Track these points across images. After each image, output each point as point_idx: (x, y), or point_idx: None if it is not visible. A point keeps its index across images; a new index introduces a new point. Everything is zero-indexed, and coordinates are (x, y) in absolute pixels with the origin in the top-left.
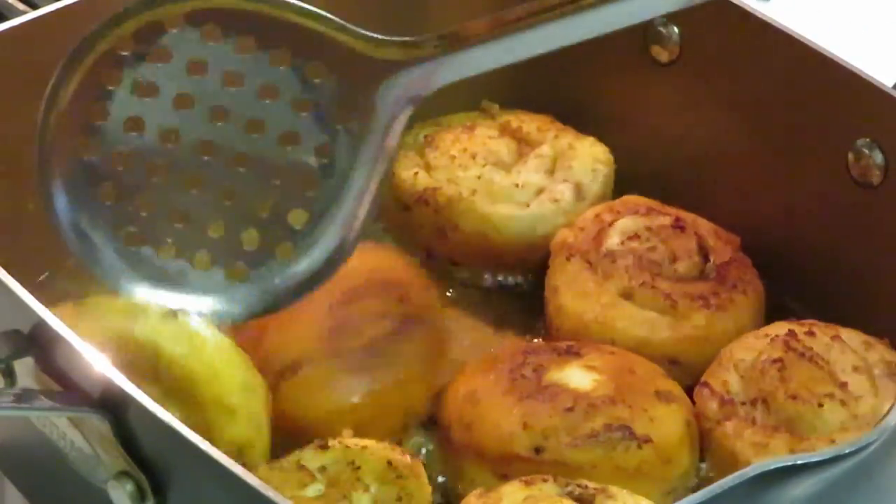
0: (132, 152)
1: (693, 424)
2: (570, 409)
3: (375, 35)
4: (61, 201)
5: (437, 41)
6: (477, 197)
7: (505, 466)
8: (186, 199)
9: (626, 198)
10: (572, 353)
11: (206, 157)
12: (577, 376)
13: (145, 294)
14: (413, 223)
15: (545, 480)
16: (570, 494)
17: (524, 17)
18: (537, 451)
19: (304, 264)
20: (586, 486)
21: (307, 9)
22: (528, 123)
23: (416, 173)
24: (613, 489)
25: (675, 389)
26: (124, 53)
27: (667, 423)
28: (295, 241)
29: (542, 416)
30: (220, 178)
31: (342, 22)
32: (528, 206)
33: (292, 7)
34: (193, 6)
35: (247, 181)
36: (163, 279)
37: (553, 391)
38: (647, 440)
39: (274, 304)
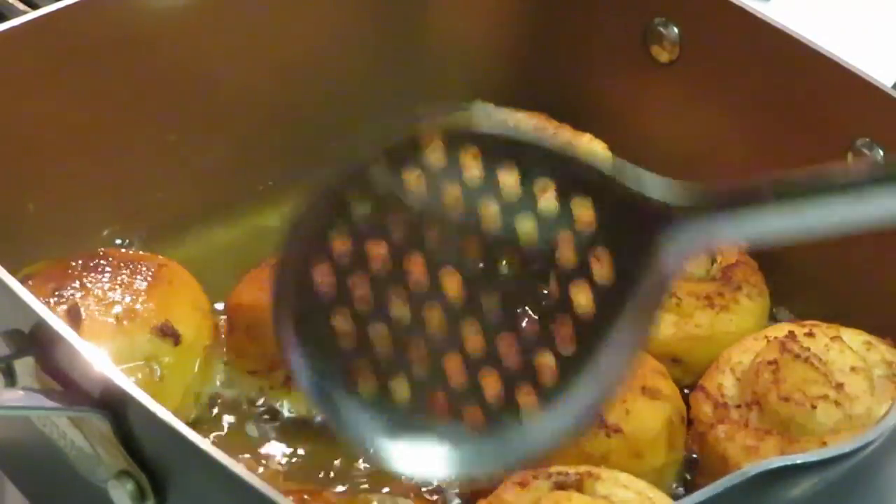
0: (365, 291)
1: (677, 425)
2: None
3: (658, 178)
4: (298, 354)
5: (734, 191)
6: None
7: None
8: (424, 347)
9: None
10: None
11: (450, 297)
12: None
13: (386, 448)
14: None
15: (535, 478)
16: (557, 485)
17: (840, 183)
18: None
19: (549, 423)
20: (567, 473)
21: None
22: (524, 122)
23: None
24: (594, 469)
25: (667, 389)
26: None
27: (643, 417)
28: (542, 396)
29: None
30: (465, 320)
31: (626, 170)
32: None
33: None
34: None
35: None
36: (399, 431)
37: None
38: (617, 430)
39: (513, 463)
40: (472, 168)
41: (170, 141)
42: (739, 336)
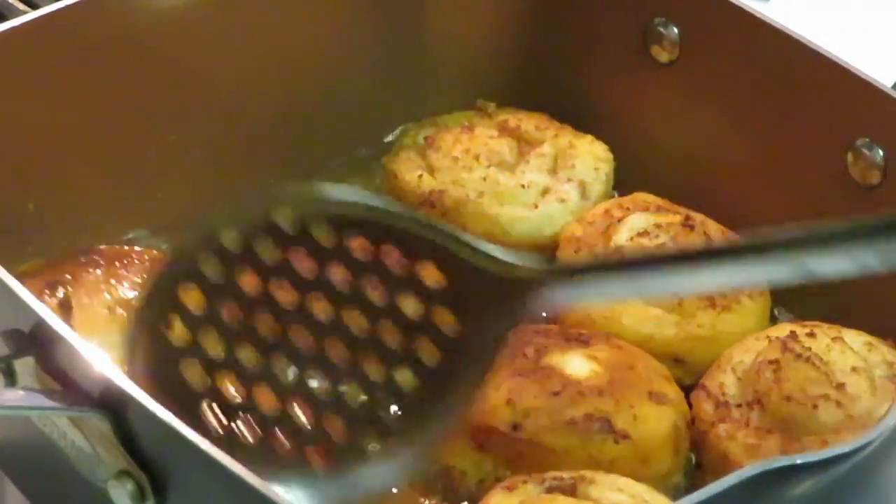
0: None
1: (682, 429)
2: (557, 394)
3: (506, 259)
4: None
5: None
6: (484, 199)
7: (482, 437)
8: (272, 391)
9: (636, 195)
10: (580, 341)
11: (298, 344)
12: (576, 364)
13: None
14: None
15: (525, 482)
16: (549, 490)
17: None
18: (515, 427)
19: (391, 462)
20: (563, 478)
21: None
22: (526, 122)
23: (420, 176)
24: (590, 474)
25: (672, 393)
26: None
27: (650, 422)
28: (385, 439)
29: (528, 395)
30: (313, 361)
31: (477, 244)
32: (535, 206)
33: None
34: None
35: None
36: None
37: (546, 373)
38: (625, 436)
39: (352, 497)
40: (323, 238)
41: (170, 141)
42: (741, 336)
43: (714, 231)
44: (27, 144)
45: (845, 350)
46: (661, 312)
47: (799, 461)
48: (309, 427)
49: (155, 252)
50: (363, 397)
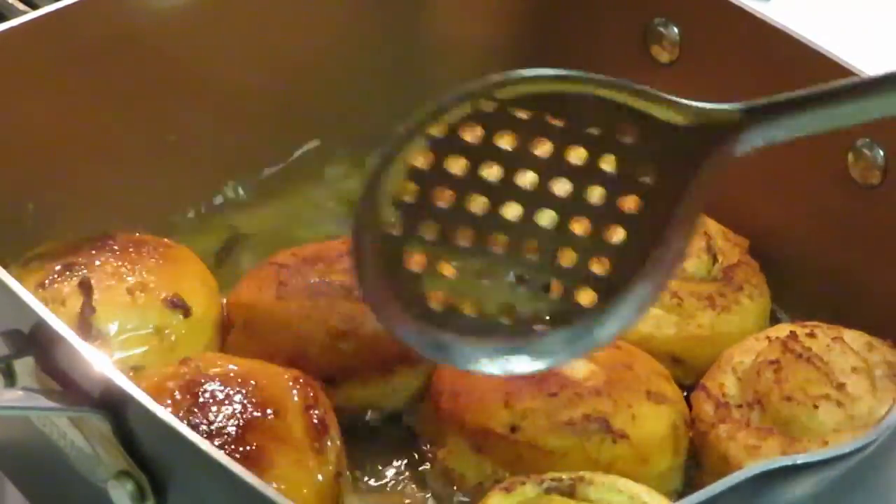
0: (437, 221)
1: (681, 428)
2: (555, 395)
3: (690, 104)
4: (376, 285)
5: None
6: None
7: (481, 440)
8: (488, 255)
9: None
10: None
11: (512, 219)
12: (574, 364)
13: (459, 348)
14: None
15: (523, 483)
16: (547, 491)
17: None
18: (513, 429)
19: (610, 314)
20: (561, 479)
21: (623, 84)
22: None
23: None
24: (588, 475)
25: (671, 392)
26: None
27: (649, 422)
28: (601, 291)
29: (526, 396)
30: (525, 233)
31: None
32: None
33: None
34: (520, 92)
35: (553, 237)
36: (468, 333)
37: (543, 374)
38: (623, 436)
39: (580, 352)
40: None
41: (170, 141)
42: (740, 336)
43: (715, 231)
44: (27, 144)
45: (845, 350)
46: (661, 312)
47: (799, 461)
48: (531, 293)
49: (167, 240)
50: (578, 257)
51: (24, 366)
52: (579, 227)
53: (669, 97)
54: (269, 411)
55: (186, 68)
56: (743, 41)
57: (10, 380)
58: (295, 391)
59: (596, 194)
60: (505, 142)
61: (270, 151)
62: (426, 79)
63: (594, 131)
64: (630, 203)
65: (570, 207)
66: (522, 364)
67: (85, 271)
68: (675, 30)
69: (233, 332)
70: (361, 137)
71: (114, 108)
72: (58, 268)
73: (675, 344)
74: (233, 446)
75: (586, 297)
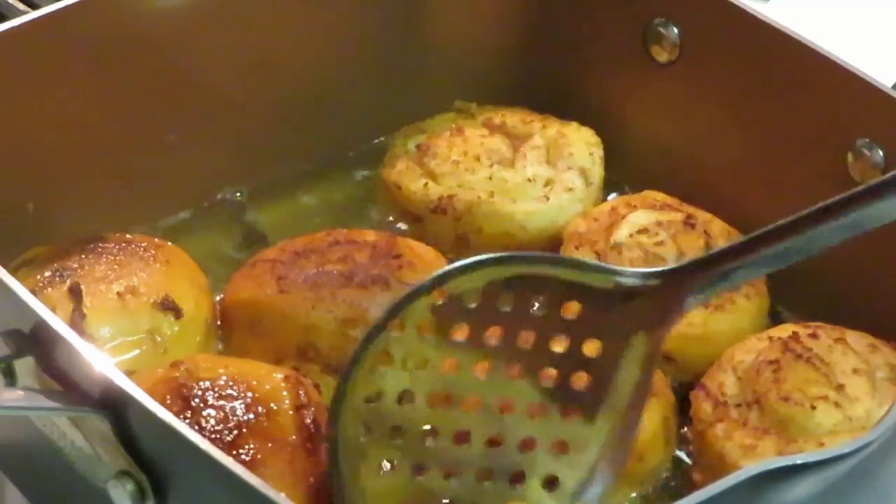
0: (406, 425)
1: (670, 419)
2: None
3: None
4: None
5: (692, 265)
6: (495, 198)
7: None
8: (456, 451)
9: (645, 192)
10: None
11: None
12: None
13: None
14: (428, 233)
15: None
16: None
17: (776, 232)
18: None
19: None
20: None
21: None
22: (510, 117)
23: (426, 184)
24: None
25: (658, 383)
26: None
27: (643, 420)
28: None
29: None
30: (489, 429)
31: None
32: (546, 199)
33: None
34: (488, 279)
35: (518, 428)
36: None
37: None
38: None
39: None
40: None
41: (170, 140)
42: (734, 336)
43: (718, 231)
44: (27, 144)
45: (847, 351)
46: None
47: (799, 461)
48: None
49: (157, 240)
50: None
51: (25, 366)
52: (535, 417)
53: (595, 264)
54: (260, 412)
55: (186, 68)
56: (743, 41)
57: (11, 380)
58: (286, 391)
59: (549, 376)
60: (458, 333)
61: (270, 152)
62: (426, 80)
63: (539, 312)
64: (581, 380)
65: (525, 394)
66: None
67: (75, 276)
68: (675, 30)
69: (236, 334)
70: (361, 139)
71: (114, 108)
72: (47, 274)
73: (667, 341)
74: (225, 448)
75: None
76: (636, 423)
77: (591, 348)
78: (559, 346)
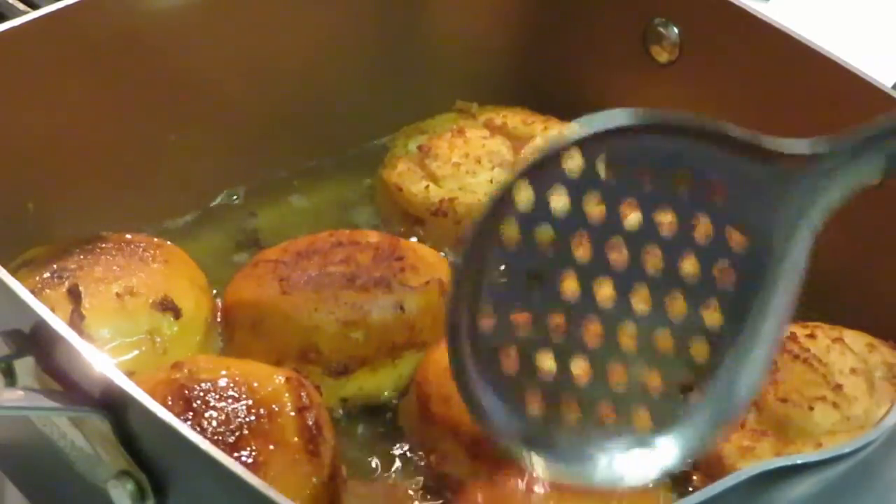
0: (531, 310)
1: None
2: None
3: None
4: (475, 379)
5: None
6: None
7: (477, 447)
8: (587, 354)
9: None
10: None
11: (606, 301)
12: None
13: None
14: (428, 236)
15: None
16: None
17: None
18: None
19: (709, 406)
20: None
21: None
22: (511, 118)
23: (427, 186)
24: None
25: None
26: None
27: None
28: (701, 382)
29: None
30: (619, 320)
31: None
32: None
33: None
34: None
35: (650, 320)
36: (565, 445)
37: None
38: None
39: (677, 463)
40: (607, 176)
41: (170, 141)
42: None
43: None
44: (27, 144)
45: (845, 351)
46: None
47: (799, 461)
48: (624, 390)
49: (156, 240)
50: (676, 342)
51: (25, 366)
52: (675, 305)
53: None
54: (262, 414)
55: (186, 68)
56: (743, 41)
57: (11, 380)
58: (288, 393)
59: (690, 265)
60: (592, 208)
61: (270, 153)
62: (427, 80)
63: (682, 190)
64: (726, 275)
65: (664, 283)
66: (636, 473)
67: (73, 277)
68: (675, 30)
69: (237, 334)
70: (361, 140)
71: (114, 108)
72: (46, 275)
73: None
74: (226, 450)
75: (690, 391)
76: (766, 362)
77: (737, 238)
78: (701, 231)
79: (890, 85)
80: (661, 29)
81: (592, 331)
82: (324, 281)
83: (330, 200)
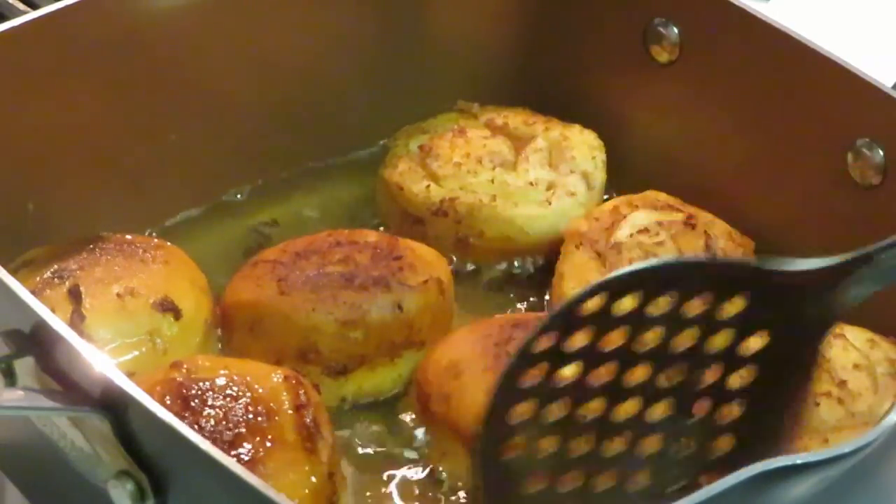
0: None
1: None
2: None
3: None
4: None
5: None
6: (497, 202)
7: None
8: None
9: (647, 192)
10: None
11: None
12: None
13: None
14: (429, 235)
15: None
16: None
17: None
18: None
19: None
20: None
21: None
22: (512, 118)
23: (428, 186)
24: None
25: None
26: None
27: None
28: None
29: None
30: (639, 427)
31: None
32: (549, 203)
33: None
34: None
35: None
36: None
37: None
38: None
39: None
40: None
41: (170, 141)
42: None
43: (719, 232)
44: (27, 144)
45: (847, 347)
46: None
47: (799, 461)
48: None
49: (156, 240)
50: (696, 440)
51: (25, 366)
52: (697, 410)
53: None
54: (260, 413)
55: (186, 68)
56: (743, 41)
57: (11, 380)
58: (286, 391)
59: (710, 375)
60: (612, 340)
61: (270, 153)
62: (428, 80)
63: (696, 311)
64: (743, 376)
65: (683, 395)
66: None
67: (74, 278)
68: (675, 30)
69: (236, 334)
70: (363, 138)
71: (114, 108)
72: (47, 275)
73: None
74: (224, 448)
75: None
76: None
77: (751, 346)
78: (719, 345)
79: (890, 85)
80: (661, 29)
81: (615, 445)
82: (322, 281)
83: (331, 200)
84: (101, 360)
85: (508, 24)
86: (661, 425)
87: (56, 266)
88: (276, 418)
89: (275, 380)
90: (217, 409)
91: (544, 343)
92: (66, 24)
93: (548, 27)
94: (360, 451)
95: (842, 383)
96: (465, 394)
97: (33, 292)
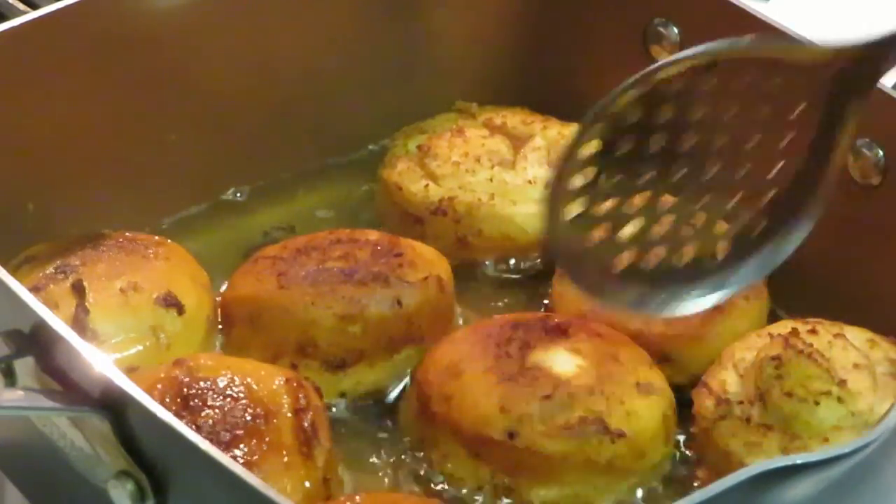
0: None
1: (670, 416)
2: (548, 397)
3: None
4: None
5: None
6: (496, 200)
7: (478, 446)
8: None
9: None
10: (560, 331)
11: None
12: (561, 360)
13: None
14: (428, 235)
15: None
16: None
17: None
18: (511, 435)
19: (742, 267)
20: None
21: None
22: (510, 118)
23: (427, 186)
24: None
25: (657, 380)
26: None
27: (643, 417)
28: (769, 220)
29: (520, 400)
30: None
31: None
32: None
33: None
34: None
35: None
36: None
37: (534, 375)
38: (621, 434)
39: (711, 301)
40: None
41: (170, 140)
42: (732, 337)
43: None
44: (27, 144)
45: (847, 347)
46: None
47: (799, 461)
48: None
49: (157, 238)
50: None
51: (25, 366)
52: (743, 171)
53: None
54: (259, 414)
55: (186, 68)
56: None
57: (11, 380)
58: (286, 394)
59: (755, 141)
60: (665, 115)
61: (270, 153)
62: (427, 80)
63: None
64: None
65: (733, 158)
66: (710, 299)
67: (77, 273)
68: (675, 30)
69: (235, 329)
70: (362, 138)
71: (113, 108)
72: (50, 270)
73: (665, 342)
74: (221, 448)
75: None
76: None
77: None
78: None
79: (890, 85)
80: (661, 29)
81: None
82: (322, 276)
83: (330, 200)
84: (101, 359)
85: (508, 24)
86: (711, 190)
87: (59, 262)
88: (275, 421)
89: (276, 382)
90: (216, 410)
91: (620, 106)
92: (66, 24)
93: (547, 27)
94: (360, 452)
95: (842, 382)
96: (466, 394)
97: (36, 288)
